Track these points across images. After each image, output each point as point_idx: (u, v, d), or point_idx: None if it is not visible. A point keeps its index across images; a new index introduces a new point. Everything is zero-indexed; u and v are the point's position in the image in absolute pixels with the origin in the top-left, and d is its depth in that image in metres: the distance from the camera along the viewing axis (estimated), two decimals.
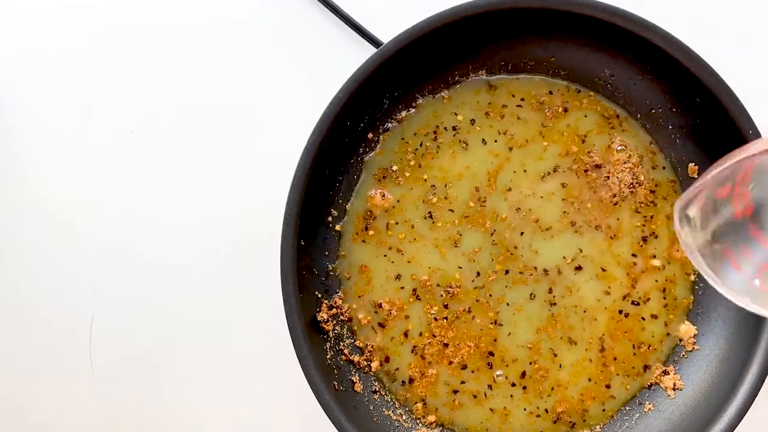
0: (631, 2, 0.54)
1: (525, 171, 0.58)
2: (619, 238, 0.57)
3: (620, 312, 0.57)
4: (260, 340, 0.61)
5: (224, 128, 0.62)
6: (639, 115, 0.58)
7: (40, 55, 0.63)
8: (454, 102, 0.58)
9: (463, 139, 0.58)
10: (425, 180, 0.58)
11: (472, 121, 0.58)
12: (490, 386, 0.57)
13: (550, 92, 0.58)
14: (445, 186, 0.58)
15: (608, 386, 0.57)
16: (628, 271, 0.57)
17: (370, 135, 0.58)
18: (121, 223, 0.62)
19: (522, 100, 0.58)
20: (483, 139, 0.58)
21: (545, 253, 0.57)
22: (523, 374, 0.57)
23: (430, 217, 0.57)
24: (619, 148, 0.58)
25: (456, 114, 0.58)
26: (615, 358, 0.57)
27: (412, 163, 0.58)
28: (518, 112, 0.58)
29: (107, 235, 0.62)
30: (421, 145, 0.58)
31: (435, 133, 0.58)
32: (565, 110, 0.58)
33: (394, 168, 0.58)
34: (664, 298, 0.57)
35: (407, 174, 0.58)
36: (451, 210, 0.57)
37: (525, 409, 0.57)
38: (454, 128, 0.58)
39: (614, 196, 0.57)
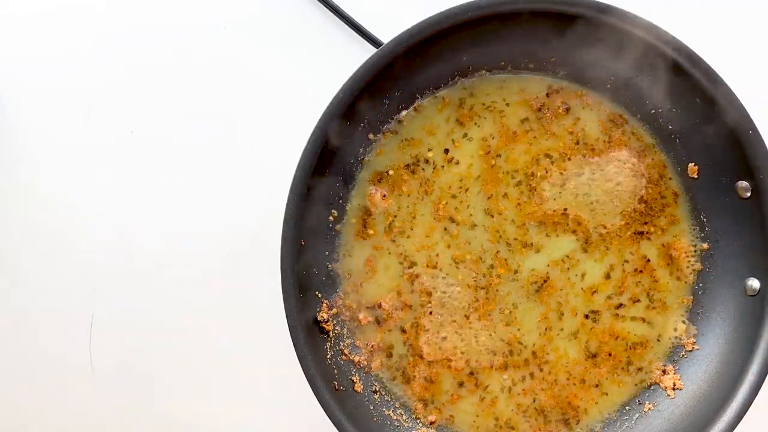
0: (630, 2, 0.54)
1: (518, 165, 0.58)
2: (614, 238, 0.57)
3: (613, 313, 0.57)
4: (260, 340, 0.61)
5: (224, 128, 0.62)
6: (639, 116, 0.58)
7: (40, 55, 0.63)
8: (426, 134, 0.58)
9: (446, 162, 0.58)
10: (441, 212, 0.58)
11: (446, 151, 0.58)
12: (502, 389, 0.57)
13: (547, 94, 0.58)
14: (465, 191, 0.58)
15: (597, 385, 0.57)
16: (622, 271, 0.57)
17: (371, 135, 0.58)
18: (120, 222, 0.62)
19: (504, 101, 0.58)
20: (468, 137, 0.58)
21: (539, 255, 0.58)
22: (526, 362, 0.57)
23: (450, 226, 0.58)
24: (617, 147, 0.58)
25: (429, 149, 0.58)
26: (610, 354, 0.57)
27: (408, 181, 0.58)
28: (495, 106, 0.58)
29: (107, 235, 0.62)
30: (408, 166, 0.58)
31: (413, 168, 0.58)
32: (567, 110, 0.58)
33: (391, 173, 0.58)
34: (650, 300, 0.57)
35: (404, 189, 0.58)
36: (468, 208, 0.58)
37: (523, 406, 0.57)
38: (427, 161, 0.58)
39: (614, 196, 0.57)
